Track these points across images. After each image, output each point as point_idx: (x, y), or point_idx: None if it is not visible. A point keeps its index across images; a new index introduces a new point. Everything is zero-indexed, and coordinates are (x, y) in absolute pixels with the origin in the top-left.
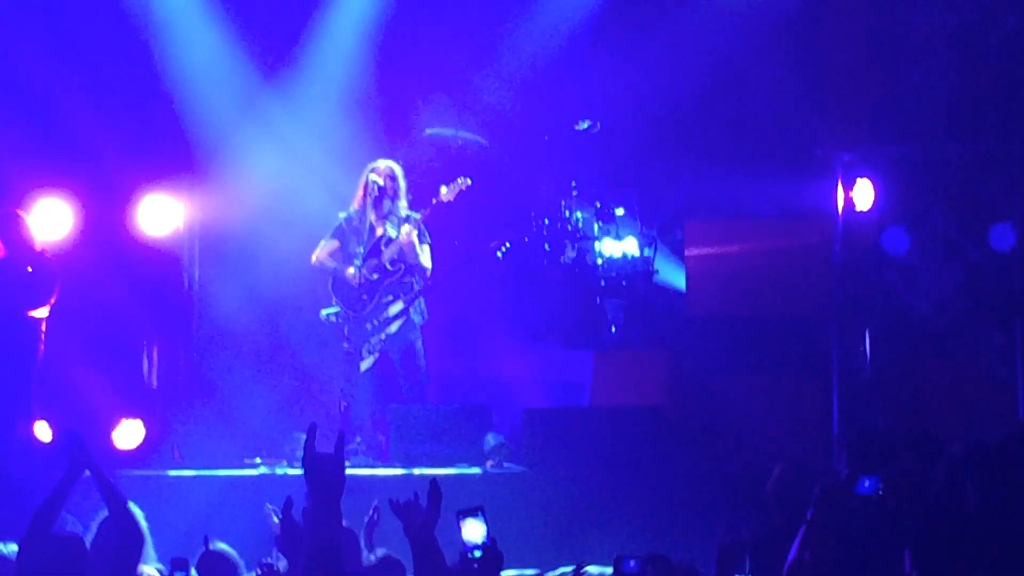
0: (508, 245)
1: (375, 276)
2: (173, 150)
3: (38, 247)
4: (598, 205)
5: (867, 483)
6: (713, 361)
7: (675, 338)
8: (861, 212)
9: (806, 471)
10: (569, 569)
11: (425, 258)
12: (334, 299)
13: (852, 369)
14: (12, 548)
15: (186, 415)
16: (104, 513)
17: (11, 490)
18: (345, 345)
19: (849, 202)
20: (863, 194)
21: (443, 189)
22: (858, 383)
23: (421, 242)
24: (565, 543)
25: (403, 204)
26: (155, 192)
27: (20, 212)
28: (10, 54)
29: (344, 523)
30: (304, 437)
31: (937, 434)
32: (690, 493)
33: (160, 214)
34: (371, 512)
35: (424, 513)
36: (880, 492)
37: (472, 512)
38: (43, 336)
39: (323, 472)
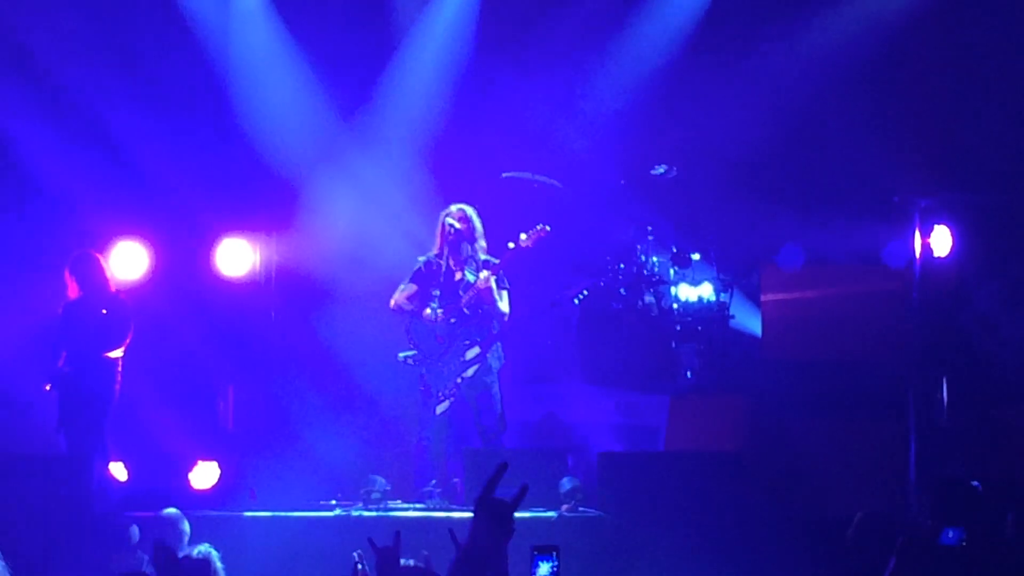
0: (586, 293)
1: (452, 320)
2: (251, 194)
3: (113, 289)
4: (674, 250)
5: (951, 534)
6: (789, 406)
7: (751, 383)
8: (939, 258)
9: (886, 519)
10: None
11: (504, 304)
12: (411, 342)
13: (929, 415)
14: None
15: (262, 456)
16: (180, 554)
17: (89, 531)
18: (422, 388)
19: (927, 248)
20: (941, 240)
21: (522, 236)
22: (935, 429)
23: (500, 287)
24: None
25: (481, 246)
26: (233, 235)
27: (96, 254)
28: (91, 101)
29: None
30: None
31: (1015, 482)
32: (766, 539)
33: (238, 257)
34: None
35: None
36: (964, 543)
37: (547, 551)
38: (119, 377)
39: (493, 516)
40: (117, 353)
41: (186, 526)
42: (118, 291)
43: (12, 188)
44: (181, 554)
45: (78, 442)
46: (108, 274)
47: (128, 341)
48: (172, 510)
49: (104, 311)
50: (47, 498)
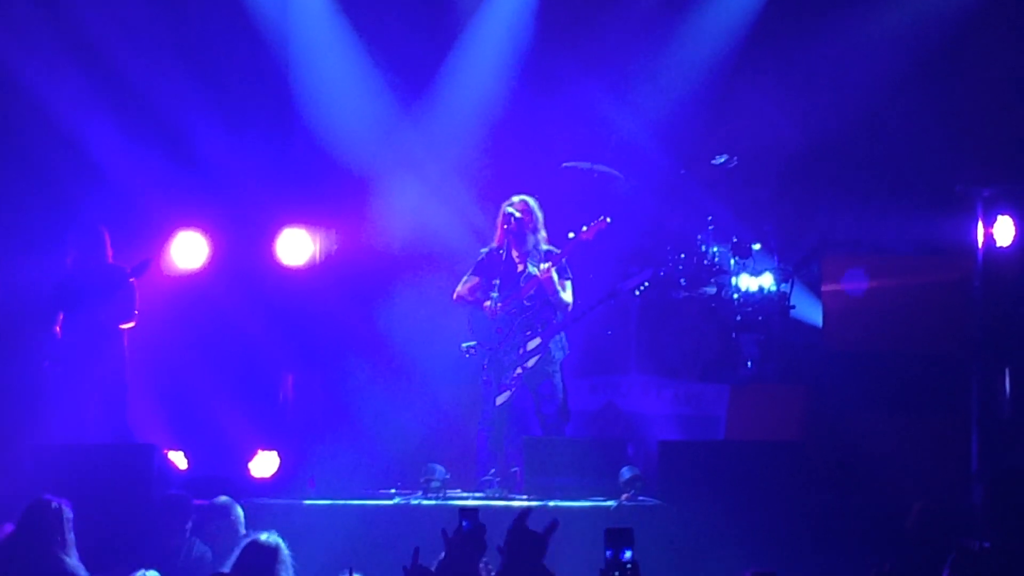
0: (647, 285)
1: (513, 311)
2: (312, 185)
3: (112, 261)
4: (735, 240)
5: None
6: (850, 397)
7: (812, 373)
8: (1001, 248)
9: (946, 510)
10: None
11: (567, 294)
12: (472, 333)
13: (992, 406)
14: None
15: (322, 445)
16: (247, 539)
17: (149, 518)
18: (483, 378)
19: (989, 238)
20: (1004, 230)
21: (583, 228)
22: (998, 420)
23: (563, 278)
24: None
25: (542, 237)
26: (293, 225)
27: (99, 226)
28: (154, 93)
29: None
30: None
31: None
32: (825, 529)
33: (298, 247)
34: None
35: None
36: None
37: (622, 539)
38: (126, 353)
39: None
40: (128, 326)
41: (240, 513)
42: (118, 264)
43: (76, 178)
44: (243, 542)
45: (97, 423)
46: (107, 246)
47: (135, 315)
48: (224, 498)
49: (103, 283)
50: (107, 486)
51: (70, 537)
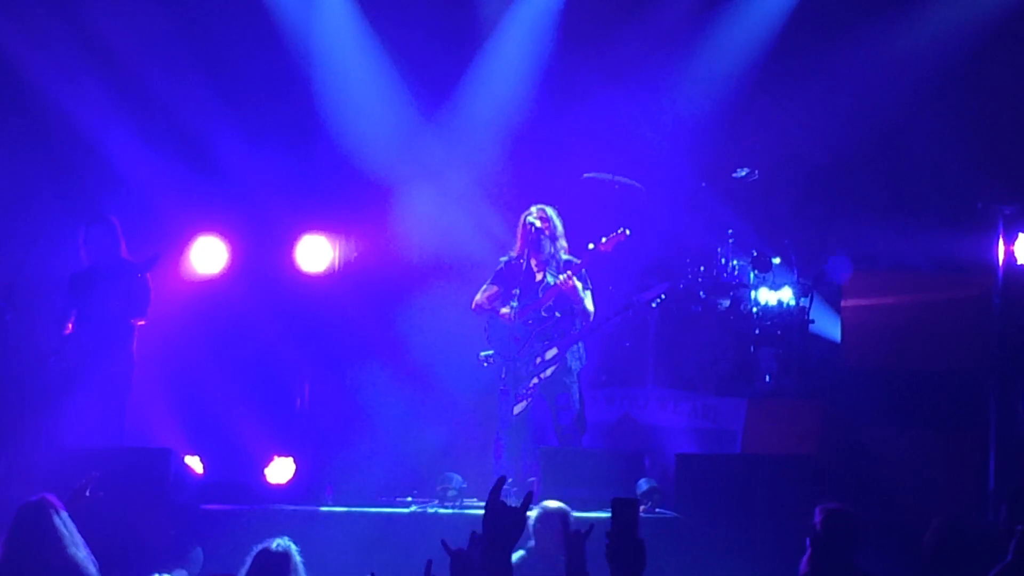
0: (663, 297)
1: (530, 321)
2: (333, 192)
3: (126, 256)
4: (755, 253)
5: None
6: (867, 412)
7: (829, 389)
8: (1021, 266)
9: (963, 526)
10: None
11: (588, 303)
12: (489, 342)
13: (1010, 423)
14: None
15: (338, 452)
16: (259, 547)
17: (166, 522)
18: (500, 388)
19: (1010, 256)
20: None
21: (602, 239)
22: (1016, 438)
23: (584, 288)
24: None
25: (562, 246)
26: (313, 232)
27: (112, 220)
28: (175, 100)
29: None
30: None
31: None
32: None
33: (317, 254)
34: None
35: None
36: None
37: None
38: (134, 349)
39: (502, 524)
40: (141, 322)
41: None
42: (132, 260)
43: (98, 184)
44: (254, 551)
45: (94, 421)
46: (121, 240)
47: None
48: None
49: (116, 277)
50: (123, 490)
51: (71, 527)
